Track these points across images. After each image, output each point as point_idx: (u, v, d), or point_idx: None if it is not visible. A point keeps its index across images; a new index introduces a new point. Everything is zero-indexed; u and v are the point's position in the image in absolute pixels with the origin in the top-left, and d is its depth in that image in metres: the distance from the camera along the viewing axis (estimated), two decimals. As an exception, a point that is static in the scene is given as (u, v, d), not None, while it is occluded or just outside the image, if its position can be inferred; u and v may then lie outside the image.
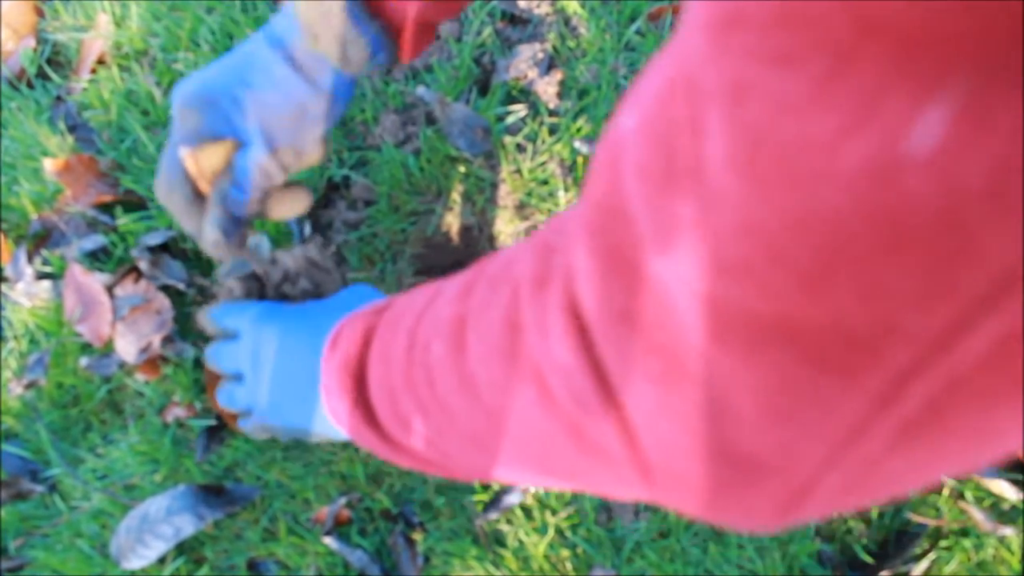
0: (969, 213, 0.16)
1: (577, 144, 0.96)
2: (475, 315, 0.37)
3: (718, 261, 0.22)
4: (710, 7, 0.20)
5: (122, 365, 0.86)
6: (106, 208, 0.93)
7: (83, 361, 0.85)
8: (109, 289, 0.86)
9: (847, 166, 0.17)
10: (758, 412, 0.24)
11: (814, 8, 0.17)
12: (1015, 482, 0.80)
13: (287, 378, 0.55)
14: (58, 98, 1.03)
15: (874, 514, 0.83)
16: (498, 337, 0.34)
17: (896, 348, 0.20)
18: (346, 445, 0.85)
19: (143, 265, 0.88)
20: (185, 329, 0.88)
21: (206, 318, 0.65)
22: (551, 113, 0.99)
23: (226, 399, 0.60)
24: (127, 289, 0.86)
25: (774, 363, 0.22)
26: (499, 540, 0.83)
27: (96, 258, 0.92)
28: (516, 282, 0.34)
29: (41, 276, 0.91)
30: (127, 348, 0.84)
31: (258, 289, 0.82)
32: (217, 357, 0.61)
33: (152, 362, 0.84)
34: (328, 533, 0.81)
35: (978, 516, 0.80)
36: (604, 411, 0.30)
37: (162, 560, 0.79)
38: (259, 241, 0.83)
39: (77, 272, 0.87)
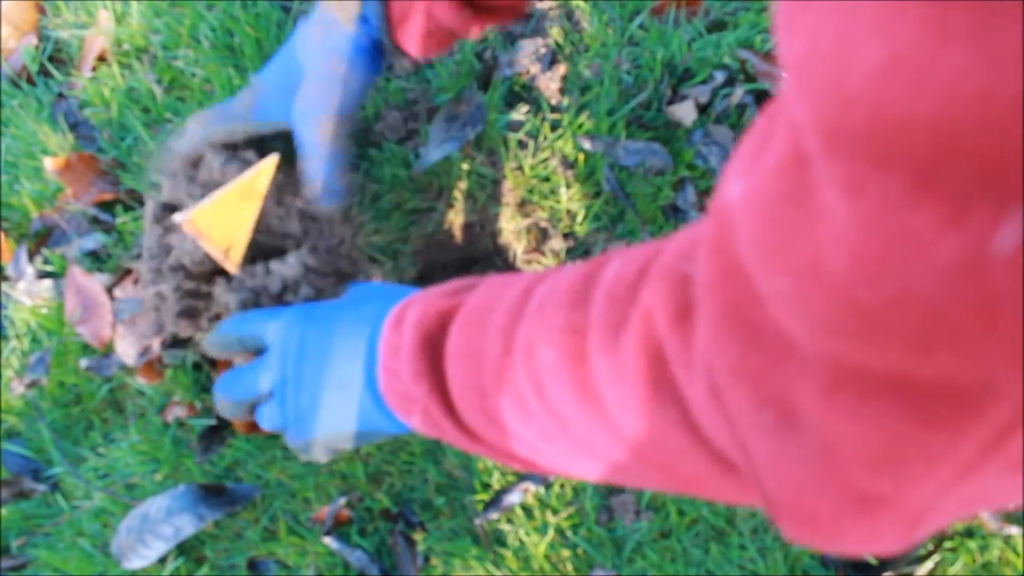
0: None
1: (579, 140, 0.95)
2: (598, 331, 0.37)
3: (827, 325, 0.25)
4: (814, 110, 0.22)
5: (122, 367, 0.86)
6: (107, 207, 0.93)
7: (83, 362, 0.85)
8: (109, 290, 0.86)
9: (942, 258, 0.20)
10: (867, 459, 0.27)
11: (898, 124, 0.20)
12: (1021, 484, 0.79)
13: (329, 378, 0.53)
14: (59, 95, 1.03)
15: (878, 515, 0.82)
16: (635, 362, 0.35)
17: (999, 405, 0.23)
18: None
19: (143, 264, 0.88)
20: (185, 328, 0.88)
21: (217, 338, 0.62)
22: (553, 109, 0.98)
23: (267, 421, 0.56)
24: (127, 291, 0.86)
25: (881, 417, 0.25)
26: (499, 540, 0.83)
27: (97, 257, 0.92)
28: (647, 309, 0.35)
29: (42, 275, 0.91)
30: (127, 350, 0.84)
31: (254, 301, 0.81)
32: (236, 384, 0.58)
33: (151, 365, 0.84)
34: (328, 533, 0.81)
35: (984, 516, 0.79)
36: (736, 453, 0.32)
37: (163, 560, 0.79)
38: None
39: (77, 274, 0.87)
